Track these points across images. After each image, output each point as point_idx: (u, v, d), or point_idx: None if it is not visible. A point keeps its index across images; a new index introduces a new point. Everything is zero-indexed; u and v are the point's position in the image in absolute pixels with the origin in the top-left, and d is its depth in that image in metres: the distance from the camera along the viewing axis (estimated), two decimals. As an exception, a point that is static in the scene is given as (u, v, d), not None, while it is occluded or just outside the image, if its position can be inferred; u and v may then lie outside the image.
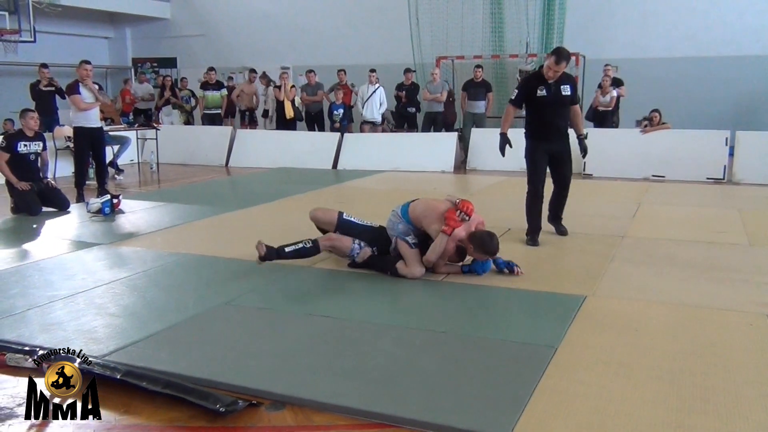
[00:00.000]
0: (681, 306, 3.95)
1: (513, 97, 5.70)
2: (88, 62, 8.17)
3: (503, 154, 5.66)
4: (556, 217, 5.92)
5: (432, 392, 2.81)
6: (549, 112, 5.51)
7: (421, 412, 2.63)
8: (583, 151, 5.77)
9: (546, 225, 5.79)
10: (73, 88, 7.95)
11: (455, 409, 2.65)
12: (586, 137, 5.79)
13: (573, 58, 12.41)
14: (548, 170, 5.77)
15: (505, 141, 5.67)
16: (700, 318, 3.75)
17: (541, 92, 5.44)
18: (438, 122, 11.92)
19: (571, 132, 5.78)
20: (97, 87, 8.16)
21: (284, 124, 12.45)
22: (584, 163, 10.29)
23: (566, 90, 5.50)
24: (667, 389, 2.83)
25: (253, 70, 13.28)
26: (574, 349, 3.27)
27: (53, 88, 10.61)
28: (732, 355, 3.22)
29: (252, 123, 13.09)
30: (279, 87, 12.33)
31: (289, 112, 12.34)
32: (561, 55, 5.33)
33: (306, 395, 2.80)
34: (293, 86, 12.73)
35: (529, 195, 5.67)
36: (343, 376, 2.98)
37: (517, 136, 5.77)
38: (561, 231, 5.88)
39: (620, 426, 2.53)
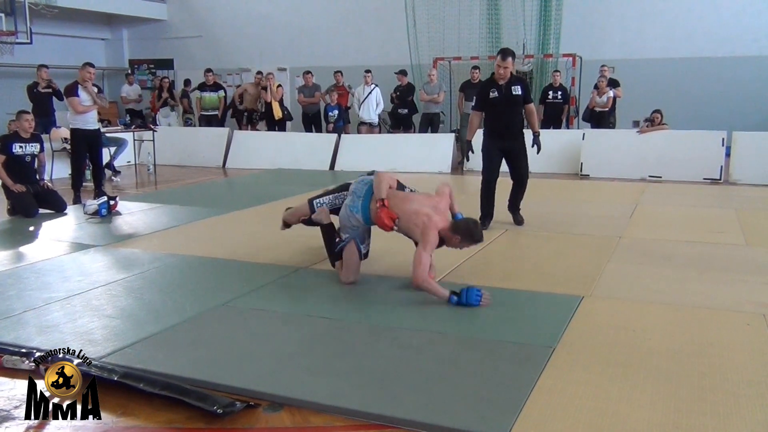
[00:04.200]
0: (678, 306, 3.95)
1: (474, 104, 6.20)
2: (91, 65, 8.11)
3: (467, 159, 6.30)
4: (514, 207, 6.33)
5: (429, 393, 2.81)
6: (501, 111, 5.96)
7: (418, 413, 2.63)
8: (537, 147, 6.17)
9: (544, 225, 5.85)
10: (72, 90, 7.91)
11: (453, 410, 2.65)
12: (540, 135, 6.27)
13: (570, 59, 12.56)
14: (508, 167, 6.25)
15: (468, 147, 6.31)
16: (697, 318, 3.75)
17: (493, 94, 5.92)
18: (435, 123, 11.91)
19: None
20: (96, 90, 8.13)
21: (273, 125, 12.43)
22: (581, 163, 10.34)
23: (517, 90, 5.91)
24: (664, 389, 2.84)
25: (259, 72, 13.26)
26: (571, 349, 3.27)
27: (51, 90, 10.58)
28: (730, 355, 3.22)
29: (251, 124, 13.05)
30: (265, 88, 12.30)
31: (278, 113, 12.32)
32: (505, 52, 5.86)
33: (304, 396, 2.80)
34: (279, 86, 12.70)
35: (483, 185, 6.18)
36: (341, 377, 2.98)
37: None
38: (518, 220, 6.27)
39: (618, 426, 2.54)
